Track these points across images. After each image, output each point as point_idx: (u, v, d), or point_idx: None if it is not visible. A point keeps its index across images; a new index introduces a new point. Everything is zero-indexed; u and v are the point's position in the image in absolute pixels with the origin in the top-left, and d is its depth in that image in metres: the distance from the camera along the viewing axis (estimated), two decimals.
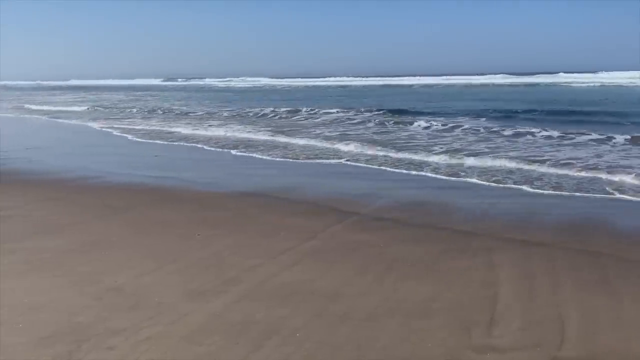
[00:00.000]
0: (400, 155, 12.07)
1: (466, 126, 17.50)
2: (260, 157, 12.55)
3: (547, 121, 19.00)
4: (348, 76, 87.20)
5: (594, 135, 14.25)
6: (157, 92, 59.59)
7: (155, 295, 4.46)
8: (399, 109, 25.53)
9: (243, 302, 4.32)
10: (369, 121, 20.43)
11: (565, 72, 70.73)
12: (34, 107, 33.82)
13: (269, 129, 18.05)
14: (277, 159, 12.16)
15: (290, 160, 12.07)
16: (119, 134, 18.06)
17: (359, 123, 20.01)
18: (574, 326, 3.90)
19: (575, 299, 4.37)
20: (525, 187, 8.66)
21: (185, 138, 16.50)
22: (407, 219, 6.89)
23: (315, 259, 5.35)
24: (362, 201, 7.84)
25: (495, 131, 16.06)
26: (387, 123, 19.52)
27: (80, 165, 11.50)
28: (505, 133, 15.57)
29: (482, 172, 9.98)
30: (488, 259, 5.33)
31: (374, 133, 16.69)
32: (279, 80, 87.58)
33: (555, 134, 14.86)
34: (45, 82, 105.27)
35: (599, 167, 10.06)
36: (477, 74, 77.30)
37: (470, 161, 11.00)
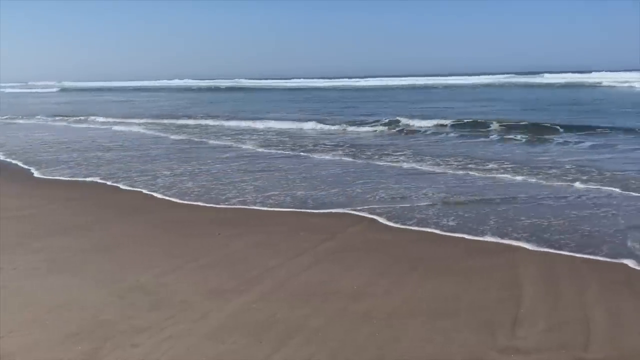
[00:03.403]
0: None
1: None
2: None
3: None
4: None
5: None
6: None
7: (177, 293, 4.50)
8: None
9: (265, 301, 4.33)
10: None
11: (550, 73, 68.11)
12: None
13: None
14: None
15: None
16: None
17: None
18: (599, 327, 3.84)
19: (601, 300, 4.30)
20: None
21: None
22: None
23: (335, 259, 5.35)
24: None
25: None
26: None
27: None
28: None
29: None
30: (511, 258, 5.28)
31: None
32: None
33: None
34: (38, 83, 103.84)
35: None
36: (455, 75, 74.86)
37: None
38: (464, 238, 5.99)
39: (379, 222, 6.68)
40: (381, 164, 11.13)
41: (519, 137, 14.91)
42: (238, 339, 3.73)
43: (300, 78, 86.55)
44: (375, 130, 17.72)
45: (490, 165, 10.44)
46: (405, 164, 10.98)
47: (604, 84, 45.72)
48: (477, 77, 68.65)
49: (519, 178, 9.21)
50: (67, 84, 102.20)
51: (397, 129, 17.82)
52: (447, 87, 53.10)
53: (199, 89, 66.47)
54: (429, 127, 17.65)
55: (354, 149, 13.29)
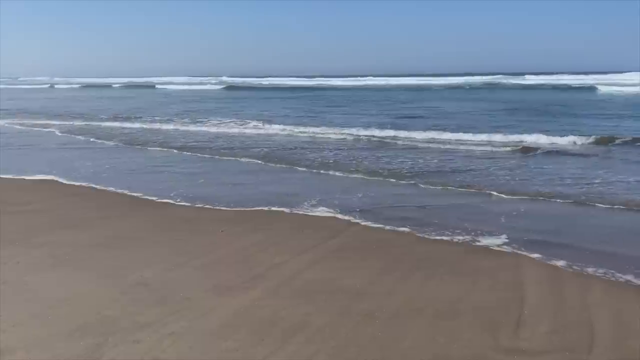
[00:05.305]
0: None
1: None
2: None
3: None
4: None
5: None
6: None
7: (180, 290, 4.49)
8: None
9: (268, 299, 4.32)
10: None
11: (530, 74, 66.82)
12: None
13: None
14: None
15: None
16: None
17: None
18: (604, 330, 3.82)
19: (605, 302, 4.28)
20: None
21: None
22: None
23: (339, 257, 5.34)
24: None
25: None
26: None
27: None
28: None
29: None
30: (515, 259, 5.25)
31: None
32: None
33: None
34: (36, 78, 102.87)
35: None
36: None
37: None
38: (465, 238, 5.97)
39: (384, 219, 6.67)
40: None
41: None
42: (240, 336, 3.72)
43: (311, 77, 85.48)
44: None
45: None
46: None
47: (573, 85, 46.05)
48: (462, 77, 67.58)
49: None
50: (59, 79, 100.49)
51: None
52: (445, 87, 52.46)
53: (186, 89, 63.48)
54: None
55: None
